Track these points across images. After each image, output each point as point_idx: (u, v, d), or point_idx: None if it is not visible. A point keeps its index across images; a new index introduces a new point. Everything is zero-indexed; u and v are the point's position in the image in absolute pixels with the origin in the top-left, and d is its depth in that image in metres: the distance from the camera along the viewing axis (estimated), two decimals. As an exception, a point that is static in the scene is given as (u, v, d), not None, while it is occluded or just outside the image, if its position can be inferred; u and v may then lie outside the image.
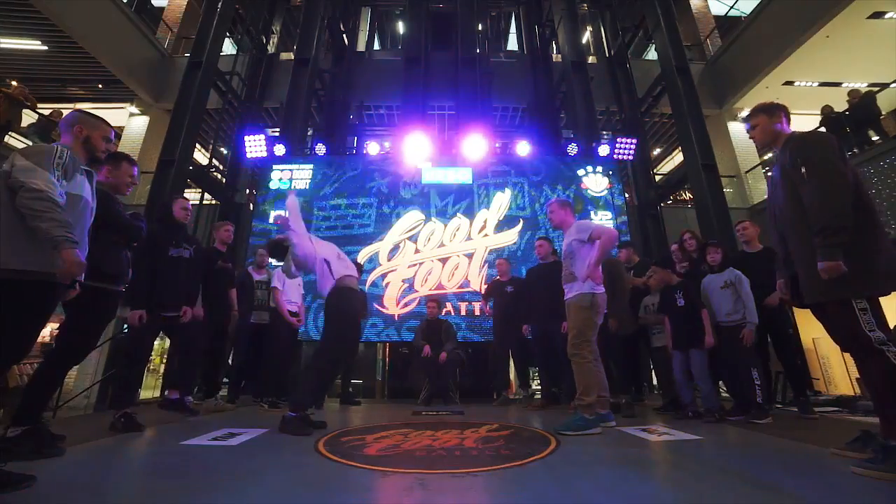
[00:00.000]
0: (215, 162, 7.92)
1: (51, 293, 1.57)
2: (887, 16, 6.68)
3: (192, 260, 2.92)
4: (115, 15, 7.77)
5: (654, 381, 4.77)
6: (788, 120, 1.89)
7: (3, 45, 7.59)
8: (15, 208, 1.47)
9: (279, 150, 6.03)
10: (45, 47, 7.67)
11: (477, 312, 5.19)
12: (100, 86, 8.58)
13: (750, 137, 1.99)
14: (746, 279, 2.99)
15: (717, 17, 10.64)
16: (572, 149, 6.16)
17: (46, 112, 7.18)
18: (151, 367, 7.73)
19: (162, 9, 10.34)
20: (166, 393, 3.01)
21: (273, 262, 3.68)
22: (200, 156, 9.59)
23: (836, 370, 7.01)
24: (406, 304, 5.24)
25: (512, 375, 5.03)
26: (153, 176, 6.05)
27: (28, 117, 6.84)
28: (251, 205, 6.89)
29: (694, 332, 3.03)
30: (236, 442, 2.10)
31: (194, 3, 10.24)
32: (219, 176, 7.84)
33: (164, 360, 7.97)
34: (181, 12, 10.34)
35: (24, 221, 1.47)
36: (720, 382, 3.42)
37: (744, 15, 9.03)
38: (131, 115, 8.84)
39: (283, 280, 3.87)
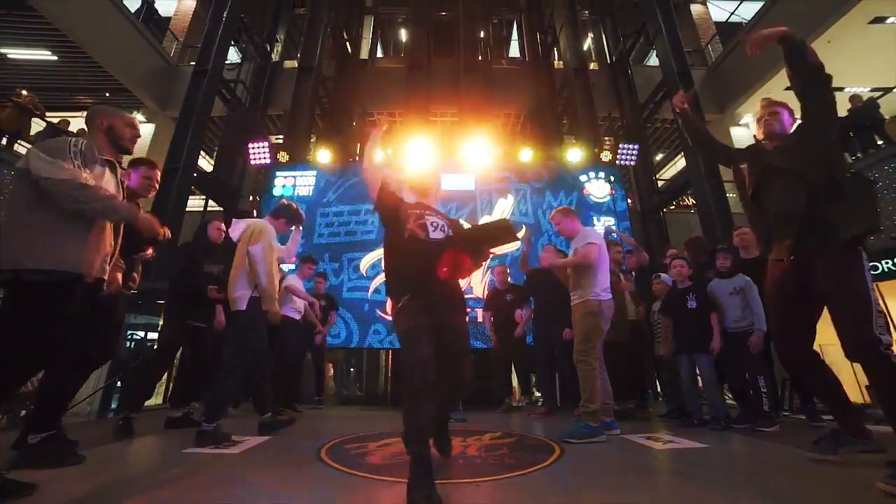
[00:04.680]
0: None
1: (66, 294, 1.51)
2: (889, 20, 6.68)
3: (219, 277, 3.02)
4: (123, 25, 7.90)
5: (658, 388, 4.73)
6: (793, 122, 2.00)
7: (14, 56, 7.74)
8: (30, 207, 1.47)
9: (283, 156, 6.08)
10: (55, 57, 7.80)
11: (479, 319, 5.17)
12: (107, 94, 8.69)
13: (764, 122, 1.98)
14: (755, 286, 2.96)
15: (717, 24, 10.68)
16: (574, 154, 6.18)
17: (55, 121, 7.28)
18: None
19: (168, 18, 10.51)
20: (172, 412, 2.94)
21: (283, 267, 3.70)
22: (205, 163, 9.67)
23: (845, 377, 6.91)
24: (409, 311, 5.23)
25: (514, 382, 5.00)
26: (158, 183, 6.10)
27: (37, 126, 6.94)
28: (255, 211, 6.94)
29: (703, 337, 3.01)
30: (238, 450, 2.09)
31: (200, 13, 10.39)
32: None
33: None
34: (187, 22, 10.51)
35: (40, 221, 1.46)
36: (725, 389, 3.39)
37: (744, 21, 9.07)
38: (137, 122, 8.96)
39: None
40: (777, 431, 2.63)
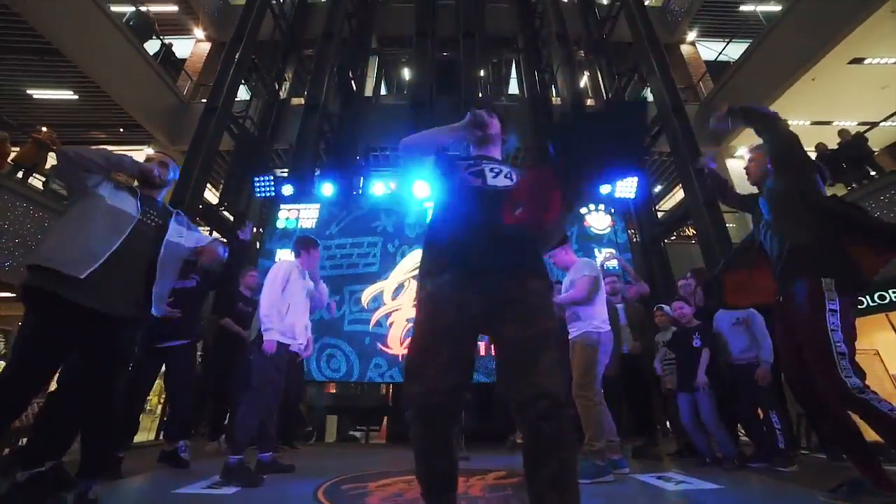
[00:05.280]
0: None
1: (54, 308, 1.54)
2: (866, 62, 7.04)
3: (195, 289, 3.02)
4: (143, 68, 8.41)
5: (668, 424, 4.55)
6: None
7: (38, 96, 8.23)
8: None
9: (287, 189, 6.20)
10: (76, 97, 8.23)
11: (482, 352, 5.07)
12: (121, 130, 9.05)
13: (745, 169, 2.16)
14: (760, 316, 2.91)
15: (707, 62, 11.18)
16: (574, 186, 6.27)
17: (69, 156, 7.53)
18: (148, 408, 7.52)
19: (184, 60, 11.10)
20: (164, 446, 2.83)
21: None
22: (210, 195, 9.87)
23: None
24: (410, 343, 5.15)
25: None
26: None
27: (52, 160, 7.18)
28: (258, 243, 7.00)
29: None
30: (231, 491, 2.01)
31: (214, 55, 10.98)
32: (227, 214, 8.04)
33: (161, 402, 7.77)
34: (202, 62, 11.09)
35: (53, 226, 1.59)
36: (738, 426, 3.26)
37: (732, 59, 9.49)
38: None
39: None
40: (796, 472, 2.51)
